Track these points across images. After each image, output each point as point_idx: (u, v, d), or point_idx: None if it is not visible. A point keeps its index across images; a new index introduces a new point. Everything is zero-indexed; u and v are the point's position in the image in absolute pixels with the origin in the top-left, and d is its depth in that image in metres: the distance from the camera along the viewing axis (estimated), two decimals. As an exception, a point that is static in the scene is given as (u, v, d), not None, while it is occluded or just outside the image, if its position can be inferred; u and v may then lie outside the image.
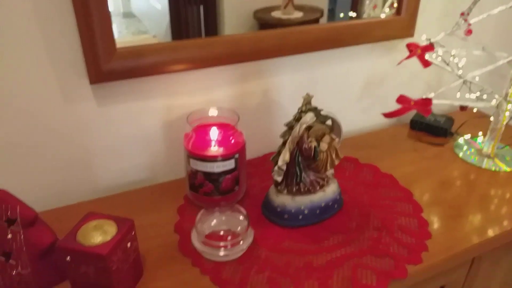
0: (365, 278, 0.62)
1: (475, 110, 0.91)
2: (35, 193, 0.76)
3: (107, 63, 0.69)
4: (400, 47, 0.99)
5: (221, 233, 0.69)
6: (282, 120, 0.72)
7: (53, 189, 0.79)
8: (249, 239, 0.67)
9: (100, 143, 0.79)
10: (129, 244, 0.57)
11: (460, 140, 0.98)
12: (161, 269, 0.63)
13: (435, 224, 0.73)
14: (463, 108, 0.91)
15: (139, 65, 0.72)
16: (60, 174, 0.78)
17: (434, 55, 0.87)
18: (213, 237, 0.67)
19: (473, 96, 0.89)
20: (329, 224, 0.73)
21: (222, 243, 0.64)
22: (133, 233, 0.58)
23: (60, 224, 0.62)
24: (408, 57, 0.84)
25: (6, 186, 0.58)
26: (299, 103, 0.69)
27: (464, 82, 0.88)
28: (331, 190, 0.73)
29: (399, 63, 0.87)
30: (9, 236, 0.56)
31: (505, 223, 0.74)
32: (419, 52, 0.83)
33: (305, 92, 0.69)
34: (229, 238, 0.67)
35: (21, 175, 0.75)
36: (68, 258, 0.54)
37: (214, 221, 0.70)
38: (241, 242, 0.65)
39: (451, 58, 0.87)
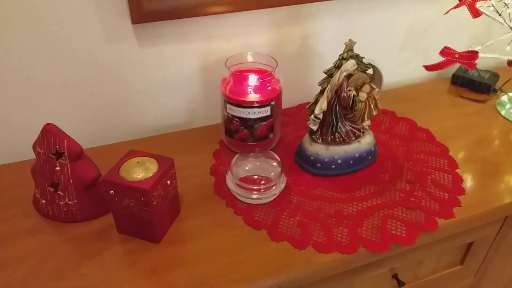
0: (395, 228, 0.63)
1: (524, 66, 0.87)
2: (78, 131, 0.79)
3: (149, 3, 0.69)
4: (449, -5, 0.93)
5: (255, 177, 0.70)
6: (320, 69, 0.71)
7: (95, 128, 0.82)
8: (282, 185, 0.68)
9: (140, 84, 0.80)
10: (169, 182, 0.59)
11: (504, 98, 0.94)
12: (197, 208, 0.66)
13: (470, 181, 0.73)
14: (511, 63, 0.87)
15: (180, 6, 0.72)
16: (102, 114, 0.81)
17: (485, 4, 0.81)
18: (247, 181, 0.68)
19: (524, 50, 0.84)
20: (361, 174, 0.73)
21: (255, 187, 0.66)
22: (172, 171, 0.60)
23: (102, 161, 0.65)
24: (457, 6, 0.80)
25: (53, 122, 0.60)
26: (338, 51, 0.67)
27: (516, 35, 0.83)
28: (366, 141, 0.73)
29: (446, 12, 0.82)
30: (57, 168, 0.60)
31: (544, 183, 0.72)
32: (470, 0, 0.78)
33: (345, 40, 0.67)
34: (262, 182, 0.68)
35: (66, 113, 0.78)
36: (112, 191, 0.57)
37: (249, 165, 0.71)
38: (274, 187, 0.67)
39: (504, 8, 0.82)
